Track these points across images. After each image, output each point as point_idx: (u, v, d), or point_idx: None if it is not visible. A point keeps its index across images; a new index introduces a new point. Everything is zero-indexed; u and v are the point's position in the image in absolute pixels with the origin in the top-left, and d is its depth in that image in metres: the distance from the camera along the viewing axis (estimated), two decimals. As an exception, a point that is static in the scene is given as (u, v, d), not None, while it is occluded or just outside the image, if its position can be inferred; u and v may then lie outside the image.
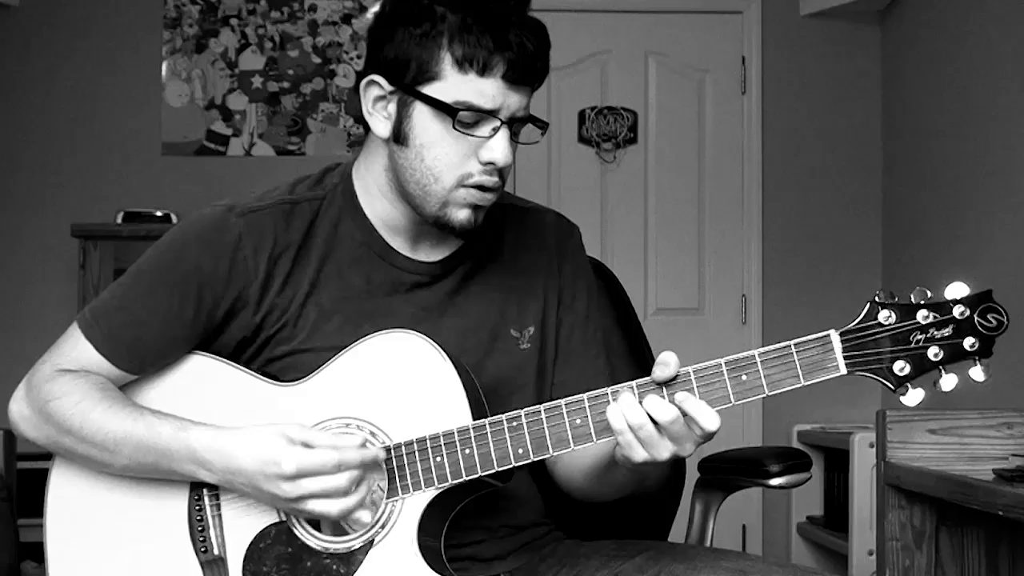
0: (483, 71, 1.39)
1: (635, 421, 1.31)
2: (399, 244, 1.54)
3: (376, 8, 1.49)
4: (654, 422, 1.31)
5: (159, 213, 3.95)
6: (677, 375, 1.33)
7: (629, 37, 4.52)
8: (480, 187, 1.45)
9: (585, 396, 1.37)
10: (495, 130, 1.42)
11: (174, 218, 3.92)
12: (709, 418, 1.30)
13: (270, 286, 1.50)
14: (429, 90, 1.41)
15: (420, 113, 1.43)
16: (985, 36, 3.64)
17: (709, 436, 1.32)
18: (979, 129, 3.66)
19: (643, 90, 4.53)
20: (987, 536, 2.18)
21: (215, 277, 1.49)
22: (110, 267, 3.76)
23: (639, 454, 1.33)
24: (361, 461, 1.38)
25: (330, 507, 1.38)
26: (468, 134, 1.42)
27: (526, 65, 1.41)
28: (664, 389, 1.34)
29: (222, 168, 4.36)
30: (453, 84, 1.40)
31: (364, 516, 1.43)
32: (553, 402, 1.39)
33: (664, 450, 1.32)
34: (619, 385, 1.36)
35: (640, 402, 1.32)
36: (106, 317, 1.51)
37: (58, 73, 4.34)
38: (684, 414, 1.31)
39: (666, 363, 1.33)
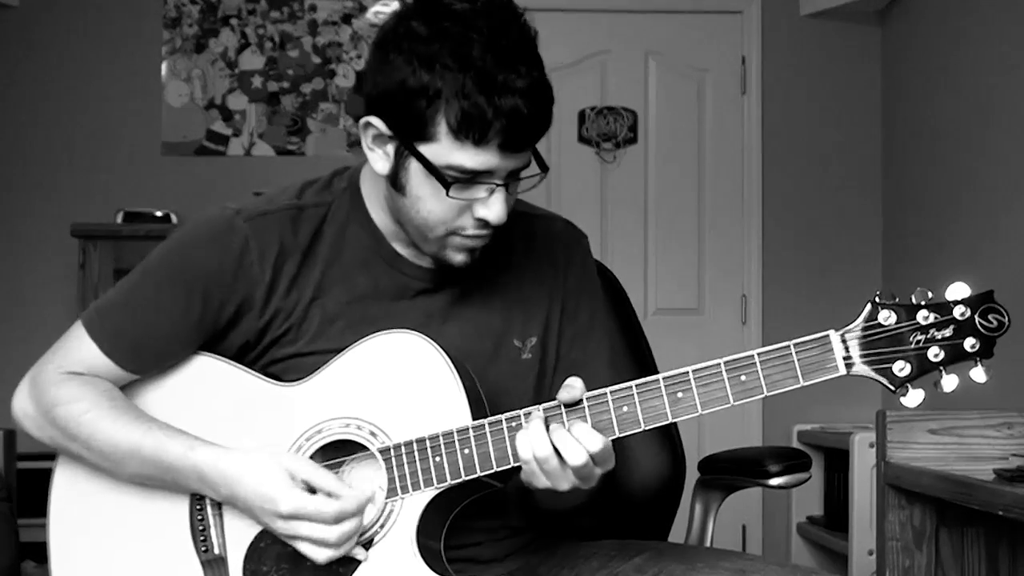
0: (479, 142, 1.35)
1: (542, 453, 1.34)
2: (404, 250, 1.53)
3: (372, 20, 1.46)
4: (561, 458, 1.34)
5: (159, 213, 3.95)
6: (580, 400, 1.36)
7: (629, 37, 4.52)
8: (475, 236, 1.45)
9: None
10: (491, 191, 1.40)
11: (174, 218, 3.92)
12: (573, 452, 1.33)
13: (275, 290, 1.50)
14: (425, 150, 1.38)
15: (416, 169, 1.40)
16: (985, 36, 3.64)
17: (601, 467, 1.36)
18: (979, 129, 3.66)
19: (643, 90, 4.53)
20: (987, 536, 2.18)
21: (221, 280, 1.48)
22: (110, 267, 3.76)
23: (541, 482, 1.36)
24: (358, 507, 1.39)
25: (317, 554, 1.40)
26: (462, 198, 1.40)
27: (523, 133, 1.36)
28: (565, 413, 1.36)
29: (222, 168, 4.36)
30: (447, 149, 1.36)
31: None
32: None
33: (564, 482, 1.36)
34: (529, 408, 1.38)
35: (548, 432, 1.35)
36: (111, 317, 1.51)
37: (58, 73, 4.34)
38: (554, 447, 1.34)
39: (571, 386, 1.36)
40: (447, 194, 1.38)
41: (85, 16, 4.36)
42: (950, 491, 1.94)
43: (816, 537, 4.28)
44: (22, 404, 1.53)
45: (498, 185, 1.40)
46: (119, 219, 3.92)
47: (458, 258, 1.46)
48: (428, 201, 1.41)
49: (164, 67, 4.38)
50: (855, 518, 3.76)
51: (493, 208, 1.40)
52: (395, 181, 1.43)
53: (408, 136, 1.39)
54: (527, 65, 1.36)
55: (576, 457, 1.33)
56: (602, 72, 4.52)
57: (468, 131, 1.34)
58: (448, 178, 1.38)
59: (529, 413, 1.38)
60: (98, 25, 4.36)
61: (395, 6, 1.45)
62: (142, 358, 1.51)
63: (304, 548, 1.40)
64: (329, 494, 1.39)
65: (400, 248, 1.53)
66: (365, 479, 1.47)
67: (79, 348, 1.51)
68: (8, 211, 4.30)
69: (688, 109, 4.53)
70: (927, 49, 4.09)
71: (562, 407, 1.37)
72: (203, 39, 4.39)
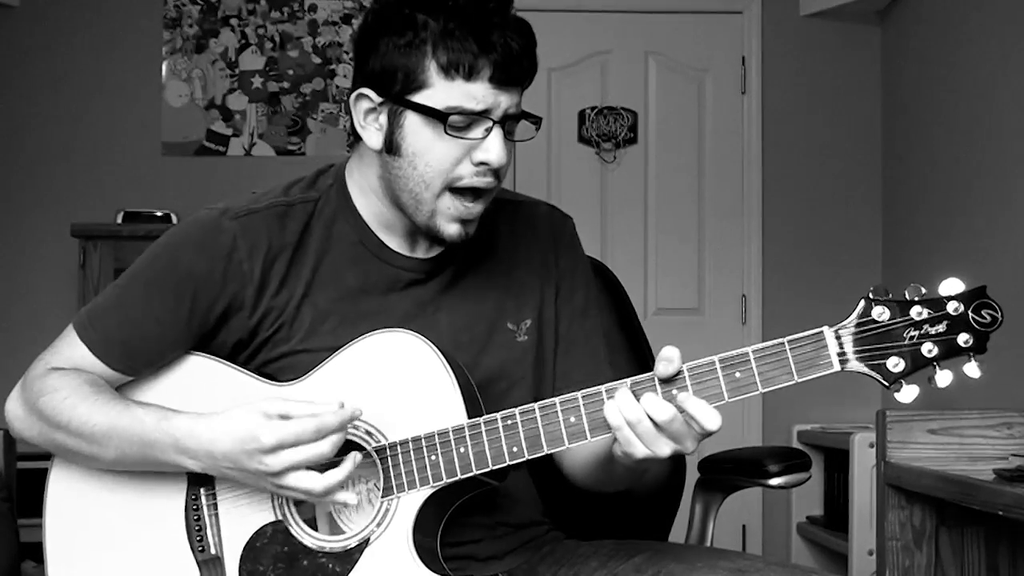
0: (469, 75, 1.39)
1: (632, 416, 1.31)
2: (394, 242, 1.54)
3: (360, 20, 1.49)
4: (652, 420, 1.31)
5: (159, 213, 3.95)
6: (679, 372, 1.33)
7: (629, 37, 4.52)
8: (471, 190, 1.44)
9: (579, 394, 1.37)
10: (488, 131, 1.42)
11: (174, 218, 3.92)
12: (710, 418, 1.30)
13: (266, 289, 1.50)
14: (418, 98, 1.41)
15: (411, 122, 1.42)
16: (985, 36, 3.64)
17: (709, 434, 1.32)
18: (979, 128, 3.66)
19: (643, 90, 4.53)
20: (987, 536, 2.18)
21: (210, 280, 1.49)
22: (110, 267, 3.76)
23: (639, 450, 1.33)
24: (340, 423, 1.37)
25: (313, 483, 1.36)
26: (460, 137, 1.41)
27: (512, 65, 1.40)
28: (660, 386, 1.33)
29: (222, 168, 4.36)
30: (441, 90, 1.40)
31: (351, 499, 1.41)
32: (547, 400, 1.39)
33: (664, 446, 1.32)
34: (615, 382, 1.36)
35: (638, 400, 1.31)
36: (101, 319, 1.52)
37: (58, 73, 4.34)
38: (682, 411, 1.31)
39: (669, 359, 1.32)
40: (445, 130, 1.40)
41: (85, 16, 4.36)
42: (950, 491, 1.94)
43: (816, 537, 4.28)
44: (13, 407, 1.54)
45: (494, 122, 1.41)
46: (119, 219, 3.92)
47: (451, 228, 1.46)
48: (425, 153, 1.43)
49: (164, 67, 4.38)
50: (855, 518, 3.76)
51: (491, 149, 1.42)
52: (390, 145, 1.44)
53: (401, 91, 1.42)
54: (506, 6, 1.42)
55: (664, 412, 1.30)
56: (602, 72, 4.52)
57: (457, 66, 1.38)
58: (445, 114, 1.40)
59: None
60: (98, 25, 4.36)
61: None
62: (133, 360, 1.51)
63: (300, 481, 1.36)
64: (309, 416, 1.36)
65: (389, 240, 1.54)
66: (361, 479, 1.48)
67: (70, 350, 1.52)
68: (8, 211, 4.30)
69: (688, 109, 4.53)
70: (927, 49, 4.09)
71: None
72: (203, 39, 4.39)
